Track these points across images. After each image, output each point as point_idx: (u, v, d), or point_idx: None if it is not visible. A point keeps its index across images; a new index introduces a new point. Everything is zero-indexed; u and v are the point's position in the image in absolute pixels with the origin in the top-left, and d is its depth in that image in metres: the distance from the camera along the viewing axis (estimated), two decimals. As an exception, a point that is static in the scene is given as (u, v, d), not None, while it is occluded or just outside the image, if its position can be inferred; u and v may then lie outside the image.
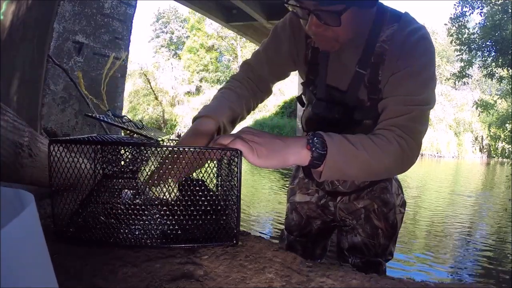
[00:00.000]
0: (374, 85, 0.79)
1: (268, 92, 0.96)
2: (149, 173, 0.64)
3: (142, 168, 0.66)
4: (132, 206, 0.59)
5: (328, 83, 0.86)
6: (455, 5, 8.23)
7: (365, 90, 0.80)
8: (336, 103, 0.83)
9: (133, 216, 0.59)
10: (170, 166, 0.59)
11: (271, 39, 0.91)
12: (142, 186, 0.64)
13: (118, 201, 0.62)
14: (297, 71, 0.96)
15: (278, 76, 0.95)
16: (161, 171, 0.61)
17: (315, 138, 0.64)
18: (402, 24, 0.76)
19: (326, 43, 0.74)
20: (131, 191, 0.65)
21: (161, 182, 0.61)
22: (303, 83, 0.93)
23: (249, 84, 0.90)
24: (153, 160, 0.66)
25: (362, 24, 0.74)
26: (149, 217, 0.60)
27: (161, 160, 0.63)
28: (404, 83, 0.72)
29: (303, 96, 0.97)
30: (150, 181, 0.63)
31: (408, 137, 0.69)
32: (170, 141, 0.86)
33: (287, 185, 1.18)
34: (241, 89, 0.88)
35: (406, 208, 1.03)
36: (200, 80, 22.98)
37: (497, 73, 8.22)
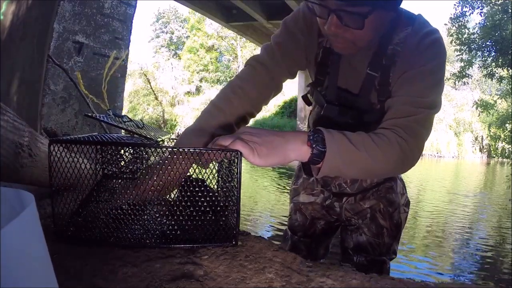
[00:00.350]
0: (385, 87, 0.77)
1: (278, 89, 0.89)
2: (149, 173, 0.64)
3: (142, 168, 0.66)
4: (132, 206, 0.59)
5: (339, 85, 0.84)
6: (455, 5, 8.22)
7: (375, 92, 0.79)
8: (349, 107, 0.82)
9: (133, 216, 0.59)
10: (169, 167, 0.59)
11: (282, 33, 0.86)
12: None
13: (118, 200, 0.62)
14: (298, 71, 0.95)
15: (290, 71, 0.88)
16: (161, 172, 0.61)
17: (315, 135, 0.63)
18: (416, 27, 0.75)
19: (343, 45, 0.71)
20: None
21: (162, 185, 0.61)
22: (312, 84, 0.91)
23: (251, 88, 0.83)
24: (152, 160, 0.66)
25: (382, 28, 0.72)
26: (149, 217, 0.60)
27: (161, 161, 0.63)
28: (413, 84, 0.71)
29: (309, 96, 0.95)
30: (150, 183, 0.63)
31: (411, 139, 0.68)
32: (171, 140, 0.86)
33: (288, 185, 1.18)
34: (234, 100, 0.81)
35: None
36: (200, 80, 22.97)
37: (497, 73, 8.21)
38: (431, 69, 0.71)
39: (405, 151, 0.67)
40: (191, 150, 0.58)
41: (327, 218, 1.07)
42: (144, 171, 0.65)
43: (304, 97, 0.97)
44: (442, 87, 0.74)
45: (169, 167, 0.58)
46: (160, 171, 0.60)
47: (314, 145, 0.62)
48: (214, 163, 0.64)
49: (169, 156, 0.60)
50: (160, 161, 0.62)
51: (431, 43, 0.72)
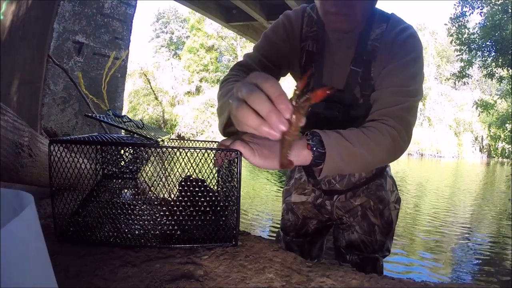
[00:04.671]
0: (367, 81, 0.82)
1: None
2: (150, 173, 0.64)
3: (142, 168, 0.66)
4: (132, 206, 0.59)
5: (324, 83, 0.88)
6: (455, 5, 8.22)
7: (358, 87, 0.83)
8: (335, 102, 0.85)
9: (133, 216, 0.59)
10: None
11: (263, 44, 0.89)
12: (142, 186, 0.64)
13: (118, 201, 0.61)
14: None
15: (275, 72, 0.89)
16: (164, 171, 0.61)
17: (313, 137, 0.64)
18: (392, 23, 0.81)
19: (343, 16, 0.74)
20: (131, 191, 0.66)
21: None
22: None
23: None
24: (152, 160, 0.66)
25: (371, 8, 0.78)
26: (149, 217, 0.60)
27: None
28: (396, 75, 0.76)
29: None
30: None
31: (400, 128, 0.71)
32: (171, 140, 0.86)
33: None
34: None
35: (401, 205, 1.06)
36: (200, 80, 22.95)
37: (497, 73, 8.21)
38: (411, 60, 0.76)
39: (395, 139, 0.71)
40: (191, 150, 0.58)
41: (319, 217, 1.08)
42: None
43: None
44: (423, 76, 0.80)
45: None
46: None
47: (314, 148, 0.64)
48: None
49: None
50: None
51: (407, 37, 0.78)
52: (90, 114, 0.71)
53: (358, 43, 0.81)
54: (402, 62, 0.76)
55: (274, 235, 3.31)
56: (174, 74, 21.17)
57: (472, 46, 8.11)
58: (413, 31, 0.79)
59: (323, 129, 0.67)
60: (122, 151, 0.69)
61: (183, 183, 0.60)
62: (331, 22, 0.78)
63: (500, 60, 7.75)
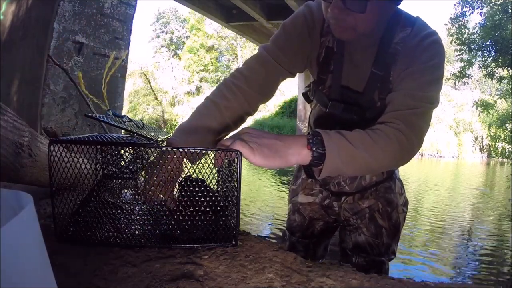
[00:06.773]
0: (385, 84, 0.79)
1: (274, 88, 0.87)
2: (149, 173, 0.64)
3: (142, 168, 0.66)
4: (132, 206, 0.59)
5: (342, 83, 0.86)
6: (455, 5, 8.20)
7: (377, 90, 0.81)
8: (352, 104, 0.84)
9: (133, 216, 0.59)
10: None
11: (281, 35, 0.85)
12: (142, 187, 0.64)
13: (118, 201, 0.61)
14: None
15: (287, 72, 0.86)
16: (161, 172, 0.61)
17: (314, 137, 0.64)
18: (416, 28, 0.78)
19: (343, 30, 0.72)
20: (131, 191, 0.65)
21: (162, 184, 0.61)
22: (314, 82, 0.92)
23: (247, 86, 0.81)
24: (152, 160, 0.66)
25: (382, 18, 0.75)
26: (149, 217, 0.60)
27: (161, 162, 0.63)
28: (414, 79, 0.73)
29: (309, 94, 0.96)
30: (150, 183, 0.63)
31: (409, 131, 0.69)
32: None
33: (288, 184, 1.18)
34: (230, 98, 0.79)
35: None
36: (200, 80, 22.95)
37: (497, 73, 8.20)
38: (432, 66, 0.74)
39: (402, 144, 0.68)
40: (191, 150, 0.58)
41: (326, 218, 1.07)
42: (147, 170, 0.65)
43: (305, 95, 0.98)
44: (441, 85, 0.77)
45: (168, 166, 0.58)
46: (159, 171, 0.60)
47: (314, 148, 0.63)
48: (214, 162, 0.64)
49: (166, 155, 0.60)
50: (159, 161, 0.62)
51: (431, 43, 0.75)
52: (90, 114, 0.71)
53: (380, 46, 0.79)
54: (422, 67, 0.73)
55: (274, 235, 3.31)
56: (174, 74, 21.18)
57: (472, 46, 8.09)
58: (438, 37, 0.77)
59: (333, 129, 0.66)
60: (122, 151, 0.69)
61: (183, 183, 0.60)
62: (333, 31, 0.76)
63: (500, 60, 7.74)
